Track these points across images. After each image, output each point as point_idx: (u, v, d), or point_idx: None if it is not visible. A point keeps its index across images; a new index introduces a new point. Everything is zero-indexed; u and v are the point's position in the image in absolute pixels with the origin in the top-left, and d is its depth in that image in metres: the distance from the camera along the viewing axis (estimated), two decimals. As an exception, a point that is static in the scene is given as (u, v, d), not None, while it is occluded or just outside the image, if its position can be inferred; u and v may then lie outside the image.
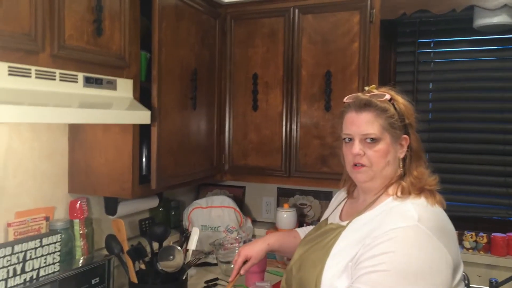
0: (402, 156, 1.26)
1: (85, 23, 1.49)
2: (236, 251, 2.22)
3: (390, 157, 1.25)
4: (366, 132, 1.24)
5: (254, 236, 2.58)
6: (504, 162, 2.19)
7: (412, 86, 2.34)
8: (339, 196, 1.56)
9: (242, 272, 1.56)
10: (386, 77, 2.28)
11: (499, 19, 1.93)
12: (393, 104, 1.25)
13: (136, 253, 1.78)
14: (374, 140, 1.23)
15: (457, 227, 1.29)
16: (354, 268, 1.15)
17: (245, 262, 1.58)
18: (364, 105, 1.25)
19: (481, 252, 2.12)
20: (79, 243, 1.85)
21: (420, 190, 1.22)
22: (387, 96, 1.26)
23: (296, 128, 2.22)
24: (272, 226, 2.58)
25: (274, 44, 2.26)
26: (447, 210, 1.25)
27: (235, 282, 1.58)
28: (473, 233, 2.14)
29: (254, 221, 2.67)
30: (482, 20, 1.98)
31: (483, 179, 2.23)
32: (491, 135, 2.22)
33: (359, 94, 1.30)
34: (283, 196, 2.67)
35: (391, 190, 1.26)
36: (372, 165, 1.25)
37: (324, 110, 2.15)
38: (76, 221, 1.85)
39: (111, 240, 1.83)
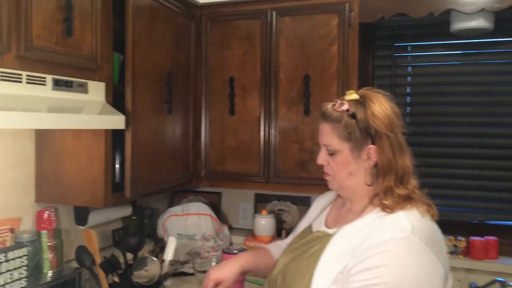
0: (369, 167, 1.21)
1: (54, 22, 1.41)
2: (213, 260, 2.16)
3: (351, 168, 1.22)
4: (325, 143, 1.25)
5: (231, 244, 2.51)
6: (480, 166, 2.20)
7: (390, 90, 2.31)
8: (322, 201, 1.51)
9: None
10: (364, 81, 2.26)
11: (476, 23, 1.94)
12: (351, 114, 1.20)
13: (109, 265, 1.71)
14: (332, 152, 1.24)
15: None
16: (344, 281, 1.10)
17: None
18: (322, 116, 1.26)
19: (460, 256, 2.12)
20: (47, 255, 1.76)
21: (406, 200, 1.18)
22: (344, 106, 1.21)
23: (275, 133, 2.17)
24: (250, 233, 2.52)
25: (251, 46, 2.21)
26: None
27: None
28: (452, 237, 2.13)
29: (231, 228, 2.60)
30: (459, 24, 1.99)
31: (460, 183, 2.24)
32: (468, 139, 2.23)
33: (325, 103, 1.28)
34: (260, 202, 2.61)
35: (376, 201, 1.21)
36: (334, 175, 1.26)
37: (303, 114, 2.11)
38: (44, 232, 1.75)
39: (82, 251, 1.76)
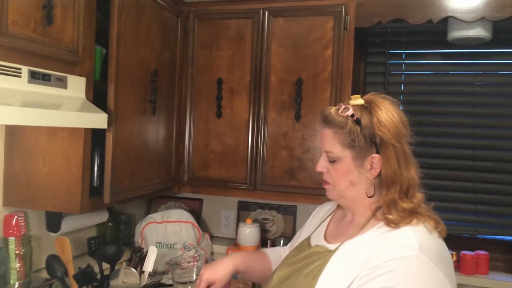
0: (372, 177, 1.14)
1: (32, 9, 1.28)
2: (194, 271, 2.03)
3: (353, 177, 1.15)
4: (326, 150, 1.18)
5: (212, 253, 2.39)
6: (473, 178, 2.15)
7: (382, 98, 2.27)
8: (321, 212, 1.42)
9: None
10: (356, 88, 2.19)
11: (475, 32, 1.89)
12: (356, 120, 1.13)
13: (84, 277, 1.57)
14: (333, 159, 1.16)
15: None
16: None
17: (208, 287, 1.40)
18: (324, 121, 1.18)
19: (450, 270, 2.05)
20: (15, 265, 1.61)
21: (412, 214, 1.10)
22: (349, 111, 1.14)
23: (263, 138, 2.07)
24: (232, 242, 2.40)
25: (241, 47, 2.11)
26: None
27: None
28: (442, 251, 2.07)
29: (212, 237, 2.48)
30: (457, 33, 1.94)
31: (452, 195, 2.19)
32: (461, 150, 2.18)
33: (328, 107, 1.21)
34: (244, 210, 2.50)
35: (379, 214, 1.14)
36: (334, 184, 1.18)
37: (294, 120, 2.02)
38: (12, 239, 1.60)
39: (54, 261, 1.63)
